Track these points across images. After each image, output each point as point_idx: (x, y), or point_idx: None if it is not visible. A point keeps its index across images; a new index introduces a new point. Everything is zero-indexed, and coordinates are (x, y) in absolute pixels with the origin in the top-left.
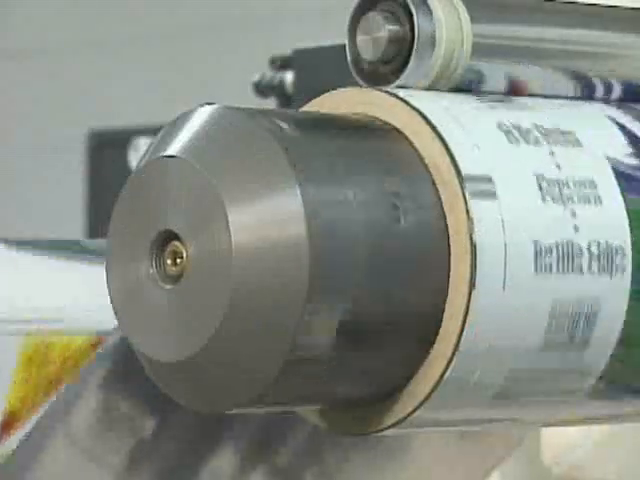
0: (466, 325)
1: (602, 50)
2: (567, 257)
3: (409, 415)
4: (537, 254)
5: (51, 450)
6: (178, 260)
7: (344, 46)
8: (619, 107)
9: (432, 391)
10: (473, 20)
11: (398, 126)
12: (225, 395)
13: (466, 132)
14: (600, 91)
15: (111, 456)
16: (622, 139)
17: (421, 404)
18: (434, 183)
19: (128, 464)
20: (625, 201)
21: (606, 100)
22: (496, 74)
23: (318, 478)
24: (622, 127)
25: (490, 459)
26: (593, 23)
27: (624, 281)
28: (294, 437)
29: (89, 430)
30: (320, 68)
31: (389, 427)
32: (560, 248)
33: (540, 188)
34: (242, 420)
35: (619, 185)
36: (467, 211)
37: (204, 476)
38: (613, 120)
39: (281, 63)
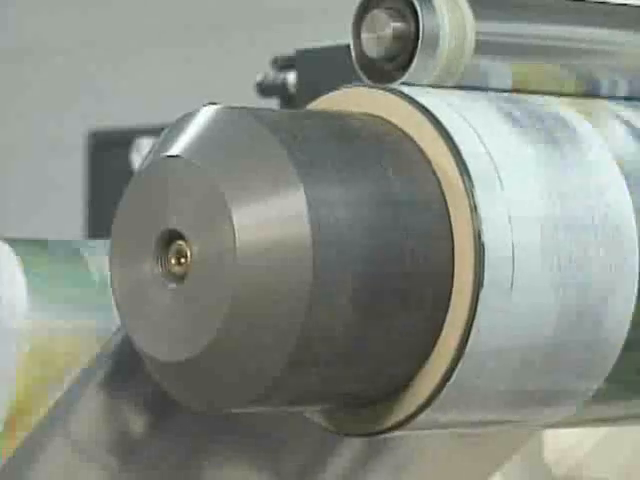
0: (473, 326)
1: (607, 47)
2: (575, 253)
3: (412, 416)
4: (545, 252)
5: (51, 450)
6: (182, 260)
7: (347, 46)
8: (625, 104)
9: (436, 392)
10: (477, 17)
11: (402, 125)
12: (228, 395)
13: (472, 129)
14: (606, 88)
15: (110, 456)
16: (627, 135)
17: (424, 405)
18: (438, 181)
19: (127, 464)
20: (632, 197)
21: (612, 97)
22: (500, 71)
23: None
24: (627, 123)
25: (492, 461)
26: (598, 21)
27: (633, 270)
28: (300, 443)
29: (89, 430)
30: (323, 68)
31: (393, 428)
32: (568, 244)
33: (547, 185)
34: (244, 423)
35: (625, 181)
36: (473, 210)
37: (206, 478)
38: (618, 117)
39: (284, 63)
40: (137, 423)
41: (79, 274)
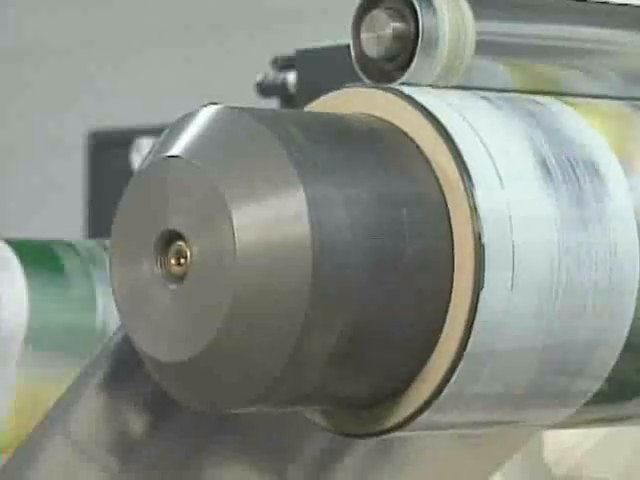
0: (473, 327)
1: (608, 47)
2: (577, 253)
3: (412, 417)
4: (546, 252)
5: (51, 450)
6: (182, 260)
7: (347, 46)
8: (625, 104)
9: (436, 393)
10: (476, 17)
11: (401, 125)
12: (228, 395)
13: (472, 129)
14: (606, 88)
15: (110, 456)
16: (628, 135)
17: (425, 406)
18: (438, 181)
19: (127, 465)
20: (632, 196)
21: (612, 97)
22: (501, 71)
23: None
24: (628, 123)
25: (492, 461)
26: (599, 20)
27: (634, 269)
28: (301, 444)
29: (89, 430)
30: (322, 68)
31: (393, 429)
32: (569, 244)
33: (548, 185)
34: (245, 423)
35: (626, 179)
36: (473, 211)
37: (206, 478)
38: (620, 116)
39: (284, 63)
40: (137, 423)
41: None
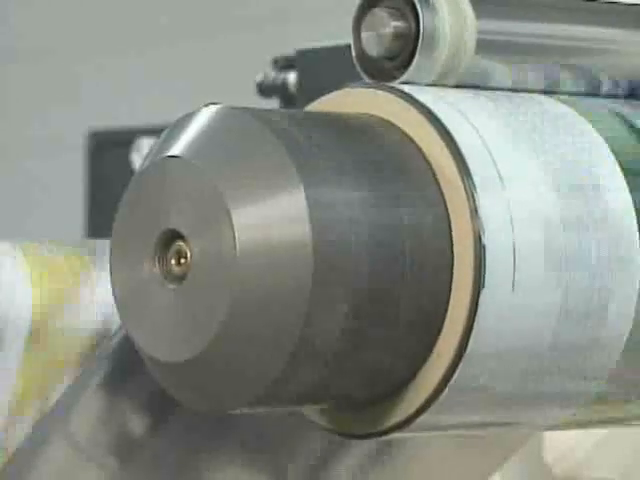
0: (473, 327)
1: (608, 46)
2: (577, 254)
3: (412, 417)
4: (547, 252)
5: (51, 450)
6: (182, 260)
7: (347, 46)
8: (625, 103)
9: (436, 394)
10: (477, 16)
11: (402, 125)
12: (228, 395)
13: (473, 128)
14: (606, 87)
15: (110, 457)
16: (627, 134)
17: (424, 407)
18: (438, 181)
19: (127, 465)
20: (632, 195)
21: (612, 96)
22: (501, 70)
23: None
24: (628, 123)
25: (491, 461)
26: (598, 20)
27: (635, 269)
28: (300, 444)
29: (89, 430)
30: (323, 68)
31: (392, 429)
32: (570, 245)
33: (548, 185)
34: (244, 423)
35: (625, 179)
36: (473, 211)
37: (206, 478)
38: (620, 116)
39: (284, 63)
40: (137, 423)
41: None
